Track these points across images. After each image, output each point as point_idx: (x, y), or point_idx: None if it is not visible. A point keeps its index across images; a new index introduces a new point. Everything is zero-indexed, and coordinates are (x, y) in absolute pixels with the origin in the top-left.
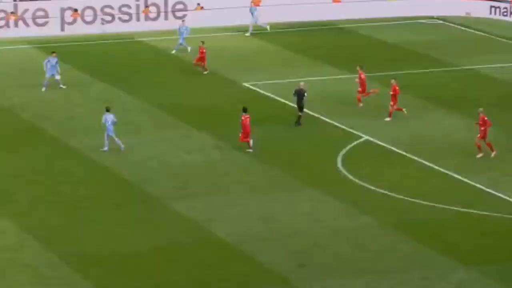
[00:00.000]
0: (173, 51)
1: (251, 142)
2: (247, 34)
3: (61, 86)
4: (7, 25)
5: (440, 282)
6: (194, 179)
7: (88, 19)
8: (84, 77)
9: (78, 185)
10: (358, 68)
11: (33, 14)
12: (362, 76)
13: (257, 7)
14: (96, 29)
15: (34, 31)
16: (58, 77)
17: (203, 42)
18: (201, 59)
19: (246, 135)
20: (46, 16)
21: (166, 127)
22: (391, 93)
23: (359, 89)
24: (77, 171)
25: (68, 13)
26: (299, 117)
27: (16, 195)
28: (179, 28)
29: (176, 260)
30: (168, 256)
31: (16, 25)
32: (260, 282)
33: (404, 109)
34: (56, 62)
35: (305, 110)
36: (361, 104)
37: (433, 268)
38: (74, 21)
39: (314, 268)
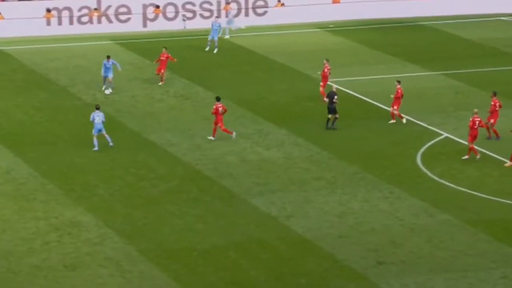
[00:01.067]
0: (206, 48)
1: (233, 134)
2: (226, 36)
3: (107, 90)
4: (90, 21)
5: None
6: (273, 175)
7: (170, 15)
8: (165, 73)
9: (158, 180)
10: (324, 61)
11: (116, 10)
12: (326, 69)
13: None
14: (177, 25)
15: (116, 27)
16: (110, 77)
17: (165, 48)
18: (162, 65)
19: (218, 122)
20: (129, 12)
21: (245, 123)
22: (392, 96)
23: (322, 83)
24: (157, 166)
25: (150, 9)
26: (329, 119)
27: (97, 189)
28: (212, 25)
29: (254, 256)
30: (246, 252)
31: (99, 21)
32: (338, 279)
33: (404, 119)
34: (113, 64)
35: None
36: (326, 99)
37: None
38: (156, 17)
39: (391, 265)
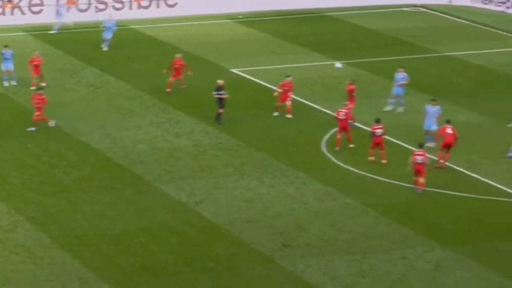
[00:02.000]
0: (105, 49)
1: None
2: (53, 31)
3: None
4: (3, 13)
5: (418, 261)
6: (183, 162)
7: (83, 7)
8: (77, 63)
9: (70, 168)
10: (177, 54)
11: (29, 2)
12: (178, 63)
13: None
14: (90, 16)
15: (29, 19)
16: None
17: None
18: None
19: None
20: (42, 4)
21: (156, 112)
22: (280, 90)
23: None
24: (69, 154)
25: (63, 1)
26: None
27: (9, 177)
28: (105, 23)
29: (164, 241)
30: (156, 237)
31: (12, 13)
32: (245, 262)
33: (290, 115)
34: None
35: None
36: (168, 91)
37: (412, 247)
38: (69, 9)
39: (297, 248)
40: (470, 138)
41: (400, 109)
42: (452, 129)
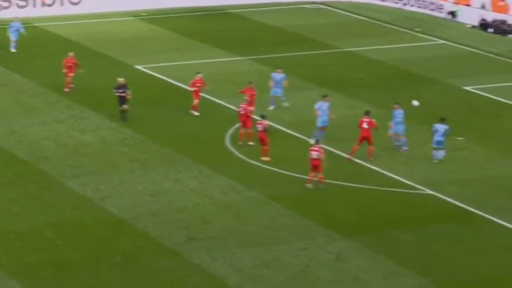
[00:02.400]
0: (13, 50)
1: None
2: None
3: None
4: None
5: (320, 252)
6: (88, 158)
7: None
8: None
9: None
10: (70, 53)
11: None
12: (70, 62)
13: None
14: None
15: None
16: None
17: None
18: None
19: None
20: None
21: (61, 108)
22: (193, 89)
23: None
24: None
25: None
26: (122, 111)
27: None
28: (11, 24)
29: (70, 236)
30: (62, 233)
31: None
32: (151, 255)
33: (197, 113)
34: None
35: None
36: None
37: (313, 239)
38: None
39: (202, 241)
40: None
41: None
42: (368, 123)
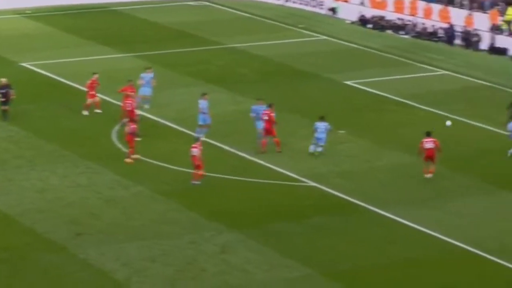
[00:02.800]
0: None
1: None
2: None
3: None
4: None
5: (206, 245)
6: None
7: None
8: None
9: None
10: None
11: None
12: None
13: None
14: None
15: None
16: None
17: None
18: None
19: None
20: None
21: None
22: (89, 90)
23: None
24: None
25: None
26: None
27: None
28: None
29: None
30: None
31: None
32: (38, 251)
33: (86, 112)
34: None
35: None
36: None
37: (200, 232)
38: None
39: (90, 236)
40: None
41: (147, 106)
42: (267, 120)
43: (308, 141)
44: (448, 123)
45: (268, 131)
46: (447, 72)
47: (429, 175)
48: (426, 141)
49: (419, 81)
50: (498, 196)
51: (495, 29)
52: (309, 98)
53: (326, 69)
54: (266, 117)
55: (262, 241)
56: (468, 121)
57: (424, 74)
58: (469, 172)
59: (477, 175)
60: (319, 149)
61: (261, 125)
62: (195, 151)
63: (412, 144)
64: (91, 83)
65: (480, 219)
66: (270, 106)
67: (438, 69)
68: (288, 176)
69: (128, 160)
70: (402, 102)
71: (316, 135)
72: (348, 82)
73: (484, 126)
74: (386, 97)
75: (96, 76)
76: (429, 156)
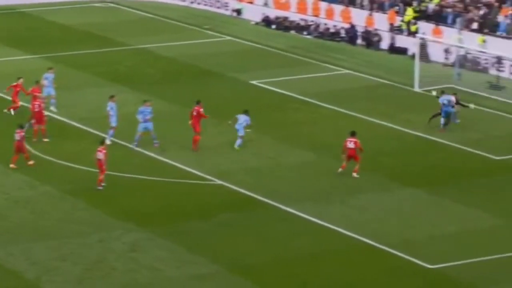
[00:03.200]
0: None
1: None
2: None
3: None
4: None
5: (115, 243)
6: None
7: None
8: None
9: None
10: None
11: None
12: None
13: None
14: None
15: None
16: None
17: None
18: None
19: None
20: None
21: None
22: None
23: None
24: None
25: None
26: None
27: None
28: None
29: None
30: None
31: None
32: None
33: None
34: None
35: None
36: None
37: (109, 231)
38: None
39: None
40: (162, 125)
41: (53, 109)
42: (195, 116)
43: (214, 140)
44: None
45: (193, 126)
46: (349, 71)
47: (354, 175)
48: (349, 141)
49: (322, 80)
50: (399, 192)
51: (394, 29)
52: (215, 97)
53: (231, 69)
54: (195, 113)
55: (171, 239)
56: (370, 118)
57: (327, 74)
58: (372, 169)
59: (379, 172)
60: (239, 141)
61: (144, 127)
62: (100, 155)
63: (316, 142)
64: (16, 87)
65: (383, 214)
66: (198, 102)
67: (340, 69)
68: (195, 174)
69: (30, 162)
70: (306, 101)
71: (235, 125)
72: (253, 82)
73: (385, 123)
74: (290, 96)
75: (21, 80)
76: (350, 156)
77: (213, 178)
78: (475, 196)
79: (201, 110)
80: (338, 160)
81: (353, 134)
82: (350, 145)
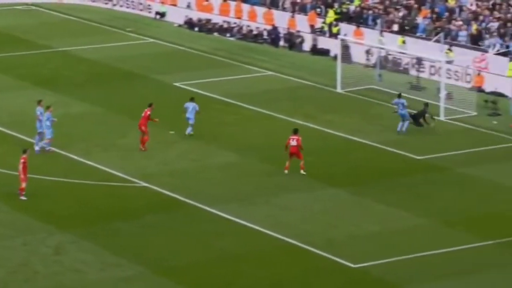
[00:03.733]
0: None
1: None
2: None
3: None
4: None
5: (39, 246)
6: None
7: None
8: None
9: None
10: None
11: None
12: None
13: None
14: None
15: None
16: None
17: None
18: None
19: None
20: None
21: None
22: None
23: None
24: None
25: None
26: None
27: None
28: None
29: None
30: None
31: None
32: None
33: None
34: None
35: None
36: None
37: (33, 234)
38: None
39: None
40: (84, 127)
41: None
42: (143, 120)
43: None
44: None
45: (139, 127)
46: (272, 73)
47: (302, 172)
48: (291, 139)
49: (245, 81)
50: (323, 192)
51: (316, 31)
52: (138, 99)
53: (154, 71)
54: (143, 114)
55: (95, 241)
56: (293, 119)
57: (250, 75)
58: (295, 169)
59: (298, 171)
60: (189, 129)
61: (41, 126)
62: (21, 164)
63: (240, 143)
64: None
65: (307, 215)
66: (150, 105)
67: (263, 70)
68: (119, 177)
69: None
70: (229, 102)
71: (186, 115)
72: (177, 84)
73: (308, 124)
74: (214, 97)
75: None
76: (292, 153)
77: (137, 180)
78: (397, 196)
79: (148, 113)
80: (262, 161)
81: (295, 131)
82: (293, 142)
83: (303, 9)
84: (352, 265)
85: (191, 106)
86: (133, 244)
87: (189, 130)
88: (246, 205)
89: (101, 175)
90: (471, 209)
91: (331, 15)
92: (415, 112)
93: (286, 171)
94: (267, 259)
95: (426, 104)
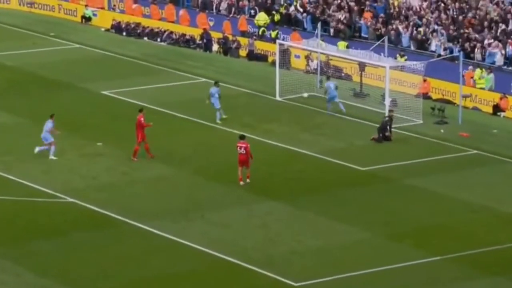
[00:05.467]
0: None
1: None
2: None
3: None
4: None
5: None
6: None
7: None
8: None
9: None
10: None
11: None
12: None
13: None
14: None
15: None
16: None
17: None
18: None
19: None
20: None
21: None
22: None
23: None
24: None
25: None
26: None
27: None
28: None
29: None
30: None
31: None
32: None
33: None
34: None
35: None
36: None
37: None
38: None
39: None
40: (5, 139)
41: None
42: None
43: (65, 155)
44: (305, 95)
45: (137, 135)
46: (205, 80)
47: (247, 181)
48: (239, 147)
49: (177, 89)
50: (262, 205)
51: (253, 35)
52: (64, 108)
53: (81, 78)
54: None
55: (17, 261)
56: (229, 129)
57: (182, 82)
58: (232, 182)
59: (237, 185)
60: (218, 115)
61: None
62: None
63: (172, 155)
64: None
65: (245, 230)
66: (140, 110)
67: (196, 77)
68: (44, 192)
69: None
70: (160, 111)
71: (211, 101)
72: (105, 92)
73: (246, 134)
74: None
75: None
76: (242, 161)
77: (63, 196)
78: (340, 209)
79: (142, 119)
80: (196, 173)
81: (242, 137)
82: (241, 151)
83: (239, 13)
84: (294, 284)
85: (214, 91)
86: (59, 264)
87: (218, 116)
88: (181, 221)
89: (24, 190)
90: (419, 222)
91: (264, 19)
92: (378, 125)
93: (241, 183)
94: (204, 278)
95: (391, 111)
